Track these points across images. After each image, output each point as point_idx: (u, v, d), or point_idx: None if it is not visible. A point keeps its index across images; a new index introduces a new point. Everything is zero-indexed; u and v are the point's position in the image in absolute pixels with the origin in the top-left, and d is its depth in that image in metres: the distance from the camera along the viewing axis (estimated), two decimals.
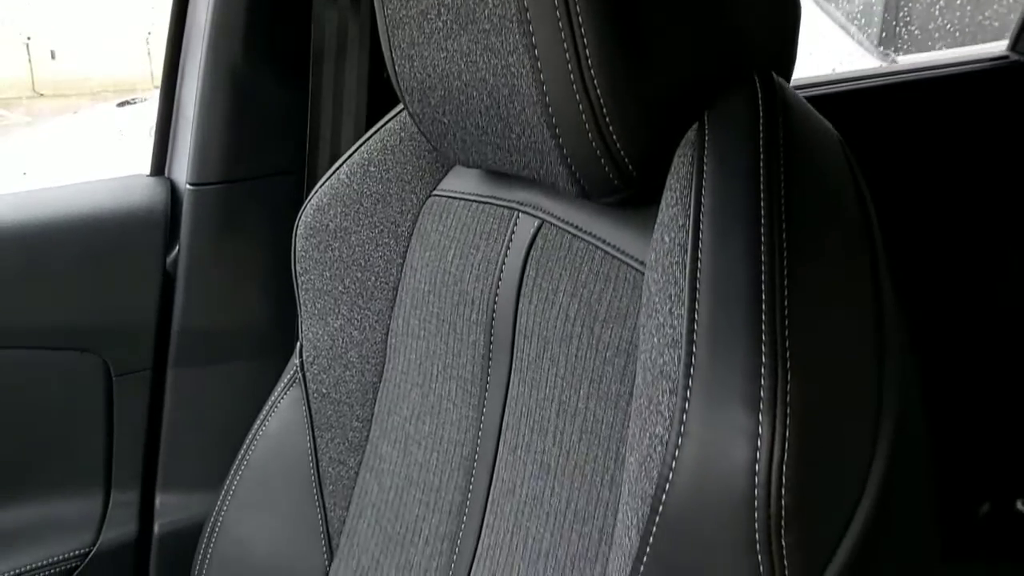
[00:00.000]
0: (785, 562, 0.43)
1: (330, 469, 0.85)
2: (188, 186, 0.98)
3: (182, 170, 1.01)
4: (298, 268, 0.86)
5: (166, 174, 1.05)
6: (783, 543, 0.43)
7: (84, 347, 0.98)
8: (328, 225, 0.84)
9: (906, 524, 0.50)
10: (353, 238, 0.83)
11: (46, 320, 0.96)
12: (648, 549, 0.47)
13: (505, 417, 0.69)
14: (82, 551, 0.99)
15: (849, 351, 0.46)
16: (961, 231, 1.43)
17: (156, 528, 1.03)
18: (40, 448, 0.99)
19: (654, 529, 0.46)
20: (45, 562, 0.97)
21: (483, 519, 0.70)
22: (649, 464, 0.47)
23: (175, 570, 1.00)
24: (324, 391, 0.86)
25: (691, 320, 0.45)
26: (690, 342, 0.45)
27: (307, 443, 0.86)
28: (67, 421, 0.99)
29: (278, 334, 1.04)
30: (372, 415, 0.84)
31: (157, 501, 1.04)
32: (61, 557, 0.97)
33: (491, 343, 0.71)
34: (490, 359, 0.71)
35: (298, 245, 0.85)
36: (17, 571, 0.95)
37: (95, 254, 0.97)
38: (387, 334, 0.84)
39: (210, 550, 0.88)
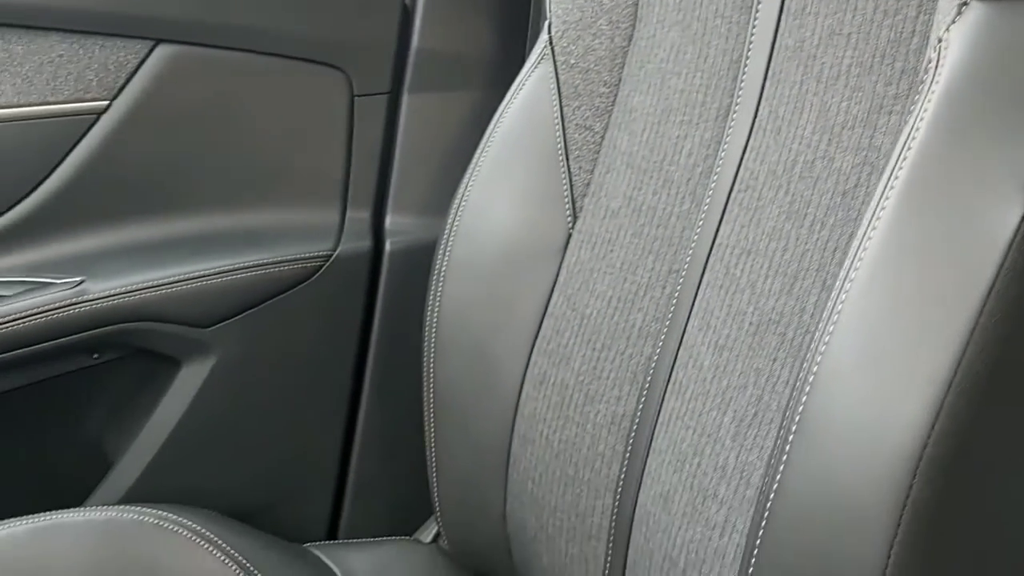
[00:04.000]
0: None
1: (576, 135, 0.89)
2: None
3: None
4: None
5: None
6: None
7: (330, 62, 1.05)
8: None
9: None
10: None
11: (294, 29, 1.03)
12: None
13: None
14: (324, 254, 1.05)
15: None
16: None
17: (387, 245, 1.08)
18: (285, 157, 1.06)
19: None
20: (293, 257, 1.03)
21: (758, 107, 0.72)
22: None
23: (408, 278, 1.06)
24: (572, 62, 0.89)
25: None
26: None
27: (554, 113, 0.89)
28: (311, 135, 1.06)
29: (510, 65, 1.08)
30: (620, 79, 0.87)
31: (387, 221, 1.10)
32: (307, 255, 1.04)
33: None
34: None
35: None
36: (270, 260, 1.02)
37: None
38: None
39: (456, 223, 0.93)
